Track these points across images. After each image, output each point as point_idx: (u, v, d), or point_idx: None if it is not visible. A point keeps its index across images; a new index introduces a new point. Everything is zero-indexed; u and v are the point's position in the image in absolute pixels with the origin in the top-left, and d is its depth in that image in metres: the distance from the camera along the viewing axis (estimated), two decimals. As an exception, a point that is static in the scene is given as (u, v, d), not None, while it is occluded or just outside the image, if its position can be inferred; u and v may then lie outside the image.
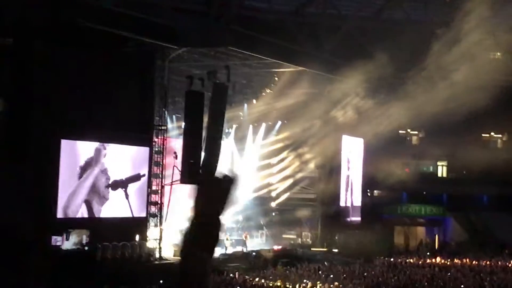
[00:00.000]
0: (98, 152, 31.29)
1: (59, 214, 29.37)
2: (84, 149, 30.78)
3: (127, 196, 31.87)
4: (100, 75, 30.34)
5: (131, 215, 32.13)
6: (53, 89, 28.76)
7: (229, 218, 41.23)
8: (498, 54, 52.11)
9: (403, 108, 46.64)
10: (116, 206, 31.72)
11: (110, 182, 31.43)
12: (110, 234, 30.84)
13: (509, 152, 53.93)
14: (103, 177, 31.31)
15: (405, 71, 46.51)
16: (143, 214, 33.39)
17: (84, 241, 29.81)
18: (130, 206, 31.99)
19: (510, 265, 36.46)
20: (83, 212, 30.37)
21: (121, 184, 31.82)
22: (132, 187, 32.33)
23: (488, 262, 36.94)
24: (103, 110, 30.74)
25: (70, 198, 29.86)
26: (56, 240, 28.83)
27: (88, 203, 30.53)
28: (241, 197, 43.68)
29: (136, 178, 32.36)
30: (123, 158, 32.38)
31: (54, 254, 27.98)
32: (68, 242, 29.31)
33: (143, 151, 33.23)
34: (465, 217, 52.84)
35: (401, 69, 46.02)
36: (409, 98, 46.13)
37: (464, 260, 37.93)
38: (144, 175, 32.54)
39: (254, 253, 36.45)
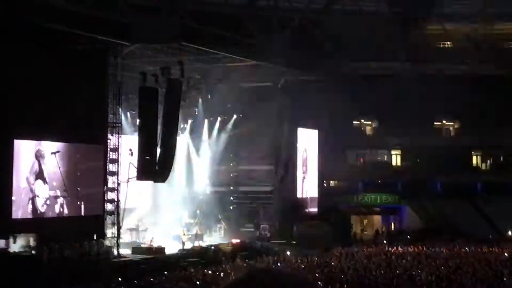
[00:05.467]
0: (50, 151, 30.99)
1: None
2: (37, 148, 30.43)
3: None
4: (52, 74, 29.98)
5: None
6: (6, 88, 28.42)
7: (186, 213, 41.26)
8: (448, 43, 52.97)
9: (356, 99, 47.14)
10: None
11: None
12: (67, 233, 30.60)
13: (461, 139, 54.88)
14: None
15: (357, 62, 47.04)
16: (100, 212, 33.20)
17: (31, 244, 29.35)
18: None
19: (464, 250, 37.14)
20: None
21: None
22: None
23: (443, 249, 37.57)
24: (56, 109, 30.41)
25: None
26: (2, 243, 28.44)
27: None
28: (198, 191, 43.72)
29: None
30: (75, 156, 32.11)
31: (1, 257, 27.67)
32: (15, 245, 28.87)
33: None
34: (420, 205, 53.61)
35: (354, 60, 46.52)
36: (361, 89, 46.67)
37: (420, 248, 38.50)
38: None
39: (212, 248, 36.50)
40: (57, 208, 31.15)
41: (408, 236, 47.23)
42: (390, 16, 47.04)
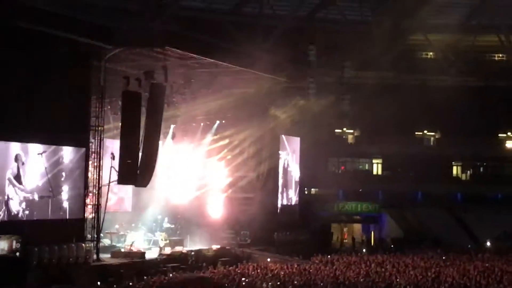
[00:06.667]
0: (31, 153, 30.81)
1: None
2: (18, 150, 30.24)
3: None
4: (35, 76, 29.83)
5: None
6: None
7: (166, 218, 41.13)
8: (431, 53, 53.37)
9: (339, 107, 47.36)
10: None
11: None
12: (46, 236, 30.39)
13: (442, 149, 55.28)
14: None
15: (341, 70, 47.29)
16: (80, 216, 33.03)
17: (14, 246, 29.11)
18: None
19: (443, 260, 37.31)
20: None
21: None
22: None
23: (422, 258, 37.72)
24: (38, 112, 30.23)
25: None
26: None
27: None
28: (180, 197, 43.62)
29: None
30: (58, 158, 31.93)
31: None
32: None
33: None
34: (400, 214, 53.92)
35: (337, 68, 46.76)
36: (344, 97, 46.87)
37: (399, 256, 38.64)
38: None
39: (193, 253, 36.45)
40: (40, 210, 30.88)
41: (392, 245, 47.43)
42: (374, 25, 47.35)
